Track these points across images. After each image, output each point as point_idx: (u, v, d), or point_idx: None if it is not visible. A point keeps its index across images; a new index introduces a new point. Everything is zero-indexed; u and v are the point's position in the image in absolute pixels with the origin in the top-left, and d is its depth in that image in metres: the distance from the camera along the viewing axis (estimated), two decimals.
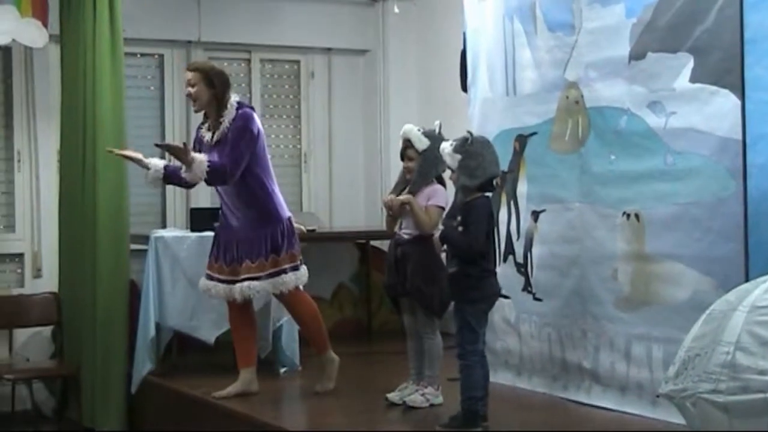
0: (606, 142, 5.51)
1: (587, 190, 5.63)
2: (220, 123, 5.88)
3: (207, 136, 5.97)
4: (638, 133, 5.30)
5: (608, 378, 5.51)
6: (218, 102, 5.88)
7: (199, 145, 5.99)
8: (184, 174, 5.79)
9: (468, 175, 5.05)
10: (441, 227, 5.20)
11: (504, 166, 6.20)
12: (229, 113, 5.87)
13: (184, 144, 5.89)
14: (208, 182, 5.84)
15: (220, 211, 6.15)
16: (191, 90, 5.88)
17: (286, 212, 6.02)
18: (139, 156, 6.03)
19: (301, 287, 6.04)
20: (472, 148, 5.05)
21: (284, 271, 5.92)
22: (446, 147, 5.13)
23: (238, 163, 5.79)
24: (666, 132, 5.14)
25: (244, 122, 5.86)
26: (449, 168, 5.16)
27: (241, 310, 6.08)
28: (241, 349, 6.15)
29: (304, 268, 6.03)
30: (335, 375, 6.12)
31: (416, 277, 5.48)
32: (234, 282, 5.95)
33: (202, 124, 6.08)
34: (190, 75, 5.91)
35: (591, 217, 5.60)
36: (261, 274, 5.90)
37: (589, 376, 5.64)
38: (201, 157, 5.74)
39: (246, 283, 5.90)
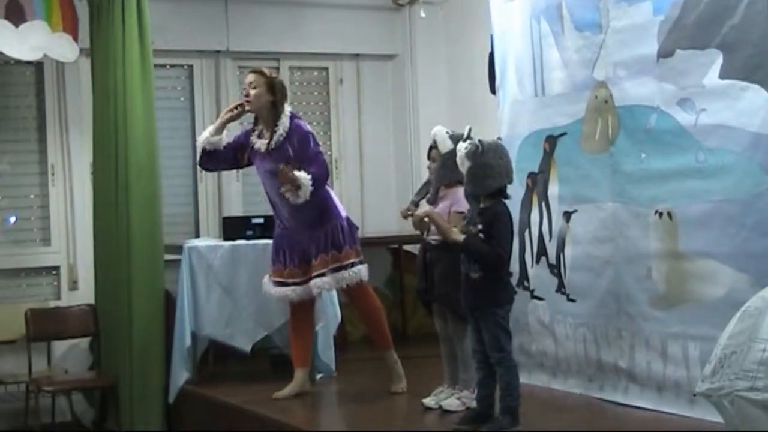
0: (636, 140, 5.49)
1: (619, 190, 5.61)
2: (275, 132, 6.07)
3: (259, 143, 6.15)
4: (669, 131, 5.27)
5: (645, 377, 5.48)
6: (275, 110, 6.09)
7: (250, 152, 6.19)
8: (290, 196, 5.92)
9: (475, 185, 5.03)
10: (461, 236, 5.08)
11: (534, 167, 6.23)
12: (284, 122, 6.08)
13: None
14: (311, 195, 5.96)
15: (276, 220, 6.26)
16: (252, 91, 6.07)
17: (343, 212, 6.24)
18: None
19: (364, 281, 6.17)
20: (482, 159, 4.98)
21: (347, 266, 6.08)
22: (461, 148, 5.06)
23: (327, 166, 6.16)
24: (697, 129, 5.11)
25: (307, 130, 6.15)
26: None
27: (305, 311, 6.27)
28: (299, 351, 6.31)
29: (365, 266, 6.16)
30: (403, 373, 6.19)
31: (445, 282, 5.45)
32: (308, 281, 6.12)
33: (252, 131, 6.24)
34: (252, 77, 6.13)
35: (623, 217, 5.58)
36: (325, 270, 6.06)
37: (626, 376, 5.61)
38: (303, 175, 5.91)
39: (315, 280, 6.07)
